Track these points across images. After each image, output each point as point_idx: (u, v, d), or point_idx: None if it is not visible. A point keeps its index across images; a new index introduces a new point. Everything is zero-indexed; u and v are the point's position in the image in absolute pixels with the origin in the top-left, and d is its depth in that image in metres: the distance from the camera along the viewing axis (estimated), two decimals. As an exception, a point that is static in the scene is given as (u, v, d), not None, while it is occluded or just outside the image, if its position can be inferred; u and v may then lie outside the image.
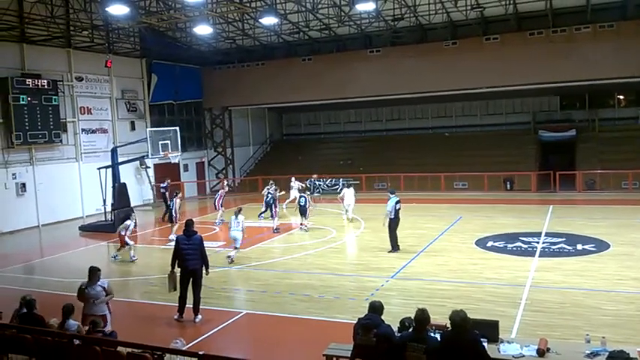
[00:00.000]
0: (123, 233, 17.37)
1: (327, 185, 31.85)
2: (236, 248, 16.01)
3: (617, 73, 27.02)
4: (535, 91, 31.06)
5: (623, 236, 17.25)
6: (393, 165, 32.42)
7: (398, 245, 16.31)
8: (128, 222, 17.64)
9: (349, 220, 22.04)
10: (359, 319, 7.18)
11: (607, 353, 6.56)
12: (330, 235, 19.71)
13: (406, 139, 35.99)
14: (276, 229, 20.42)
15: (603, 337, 6.91)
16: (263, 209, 23.08)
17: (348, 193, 22.23)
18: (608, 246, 16.08)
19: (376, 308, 7.23)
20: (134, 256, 17.21)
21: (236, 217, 15.93)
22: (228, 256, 15.86)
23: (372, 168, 32.84)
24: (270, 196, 21.63)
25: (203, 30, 26.54)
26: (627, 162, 27.63)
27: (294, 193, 24.76)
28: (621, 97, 34.28)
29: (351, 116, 39.75)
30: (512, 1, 26.38)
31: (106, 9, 21.57)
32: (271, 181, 23.13)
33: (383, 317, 7.20)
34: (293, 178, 26.07)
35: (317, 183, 31.91)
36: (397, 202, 16.21)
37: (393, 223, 16.21)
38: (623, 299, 11.36)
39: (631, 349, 6.66)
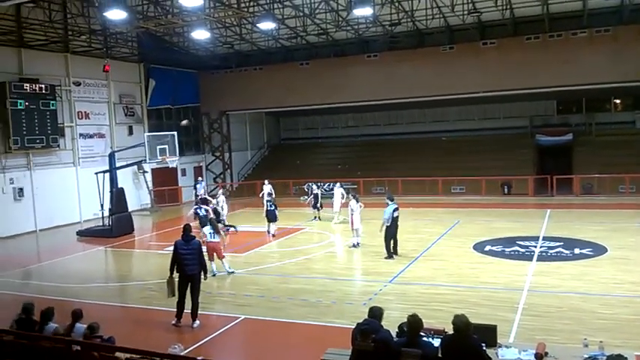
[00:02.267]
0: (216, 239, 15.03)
1: (324, 190, 31.82)
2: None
3: (613, 78, 27.14)
4: (532, 95, 31.14)
5: (620, 240, 17.29)
6: (390, 169, 32.44)
7: (392, 253, 16.00)
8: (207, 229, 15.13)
9: (338, 222, 22.10)
10: (357, 324, 7.17)
11: (605, 357, 6.56)
12: (329, 239, 19.71)
13: (404, 144, 36.03)
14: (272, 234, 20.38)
15: (601, 342, 6.91)
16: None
17: (337, 194, 22.43)
18: (605, 250, 16.11)
19: (375, 313, 7.23)
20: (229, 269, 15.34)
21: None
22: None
23: (370, 172, 32.85)
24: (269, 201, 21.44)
25: (201, 35, 26.60)
26: (624, 166, 27.70)
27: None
28: (618, 101, 34.40)
29: (348, 121, 39.80)
30: (509, 6, 26.47)
31: (104, 14, 21.58)
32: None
33: (381, 323, 7.20)
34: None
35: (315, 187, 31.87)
36: (395, 210, 15.88)
37: (390, 230, 15.90)
38: (620, 303, 11.39)
39: (629, 353, 6.67)
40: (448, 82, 29.37)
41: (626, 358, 6.51)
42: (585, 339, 7.25)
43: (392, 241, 16.06)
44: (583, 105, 34.30)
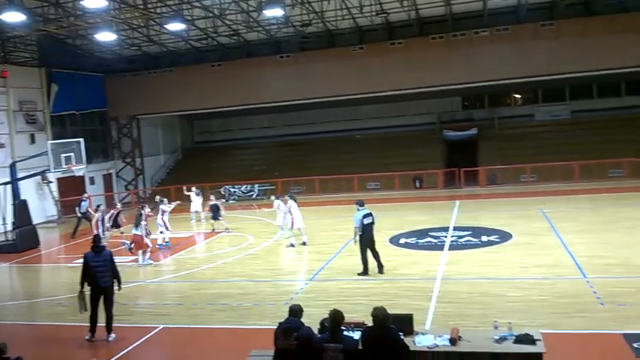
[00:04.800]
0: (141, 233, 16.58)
1: (242, 192, 31.61)
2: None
3: (513, 74, 28.82)
4: (439, 92, 32.37)
5: (524, 226, 18.34)
6: (307, 169, 32.70)
7: (367, 268, 13.72)
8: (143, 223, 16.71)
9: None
10: (279, 323, 7.19)
11: (514, 337, 6.95)
12: (248, 241, 19.58)
13: (320, 143, 36.38)
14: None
15: (510, 323, 7.30)
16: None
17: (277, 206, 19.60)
18: (510, 236, 17.05)
19: (295, 312, 7.26)
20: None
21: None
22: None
23: (288, 172, 32.92)
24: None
25: (106, 37, 25.53)
26: (525, 157, 29.47)
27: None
28: (518, 96, 36.48)
29: (264, 121, 39.62)
30: (414, 7, 27.40)
31: (0, 16, 20.25)
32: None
33: (305, 320, 7.25)
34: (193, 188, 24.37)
35: (232, 190, 31.64)
36: (365, 216, 13.64)
37: (363, 240, 13.68)
38: (526, 286, 12.10)
39: (535, 332, 7.09)
40: (359, 81, 30.03)
41: (532, 336, 6.93)
42: (495, 321, 7.65)
43: (369, 254, 13.78)
44: (486, 101, 36.12)
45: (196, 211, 23.78)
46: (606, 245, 15.06)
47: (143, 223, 16.77)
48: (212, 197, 22.50)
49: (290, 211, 17.76)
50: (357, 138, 36.46)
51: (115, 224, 20.32)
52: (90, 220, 20.44)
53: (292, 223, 17.78)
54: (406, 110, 36.45)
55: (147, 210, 18.03)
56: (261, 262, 16.83)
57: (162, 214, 19.16)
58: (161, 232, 19.33)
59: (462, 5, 27.90)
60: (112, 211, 20.54)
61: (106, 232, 18.96)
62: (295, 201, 18.00)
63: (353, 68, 30.19)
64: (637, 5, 26.87)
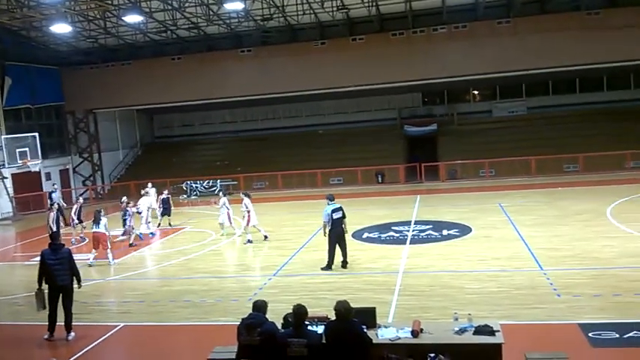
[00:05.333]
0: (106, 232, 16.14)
1: (204, 187, 31.31)
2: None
3: (471, 70, 29.41)
4: (399, 88, 32.76)
5: (483, 220, 18.77)
6: (270, 164, 32.61)
7: (332, 263, 13.68)
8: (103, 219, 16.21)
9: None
10: (242, 319, 7.18)
11: (473, 328, 7.11)
12: (210, 237, 19.42)
13: (282, 138, 36.33)
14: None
15: (469, 314, 7.46)
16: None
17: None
18: (470, 230, 17.41)
19: (259, 307, 7.26)
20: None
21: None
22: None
23: (250, 168, 32.79)
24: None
25: (61, 28, 24.88)
26: (483, 152, 30.11)
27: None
28: (476, 92, 37.21)
29: (226, 116, 39.32)
30: (374, 3, 27.59)
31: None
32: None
33: (269, 316, 7.26)
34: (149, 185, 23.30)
35: (194, 185, 31.30)
36: (335, 210, 13.47)
37: (332, 235, 13.56)
38: (485, 278, 12.38)
39: (494, 322, 7.27)
40: (321, 76, 30.12)
41: (492, 327, 7.11)
42: (455, 313, 7.81)
43: (339, 248, 13.72)
44: (445, 97, 36.70)
45: (152, 208, 23.16)
46: (562, 238, 15.52)
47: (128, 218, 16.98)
48: (165, 191, 22.04)
49: (246, 209, 17.41)
50: (319, 133, 36.58)
51: (79, 219, 19.91)
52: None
53: (248, 220, 17.51)
54: (367, 106, 36.75)
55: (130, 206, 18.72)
56: (224, 257, 16.74)
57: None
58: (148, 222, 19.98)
59: (422, 2, 28.26)
60: (74, 206, 20.22)
61: (77, 225, 19.36)
62: (250, 198, 17.77)
63: (314, 63, 30.26)
64: (590, 4, 27.74)
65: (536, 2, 29.28)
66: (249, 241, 17.55)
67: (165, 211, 21.47)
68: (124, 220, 18.71)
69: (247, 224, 17.63)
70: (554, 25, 27.78)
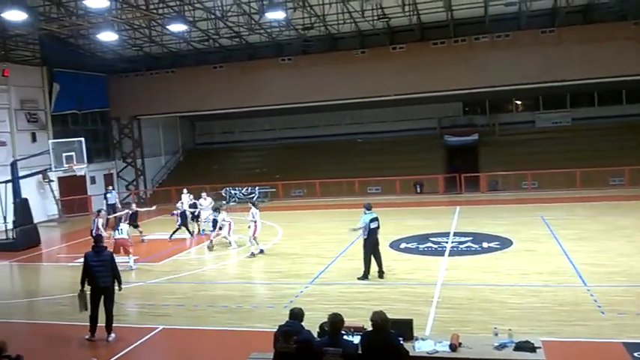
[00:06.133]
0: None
1: (242, 194, 31.62)
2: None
3: (513, 80, 28.90)
4: (439, 97, 32.42)
5: (525, 233, 18.33)
6: (309, 172, 32.67)
7: (368, 273, 13.63)
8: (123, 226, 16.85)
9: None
10: (279, 326, 7.19)
11: (514, 344, 6.96)
12: (248, 243, 19.53)
13: (321, 146, 36.38)
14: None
15: (510, 330, 7.31)
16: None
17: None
18: (511, 243, 17.04)
19: (296, 315, 7.27)
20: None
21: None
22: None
23: (289, 175, 32.96)
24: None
25: (108, 37, 25.55)
26: (525, 163, 29.45)
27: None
28: (518, 102, 36.53)
29: (265, 124, 39.66)
30: (416, 12, 27.45)
31: (2, 15, 20.28)
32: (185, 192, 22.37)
33: (304, 324, 7.25)
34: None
35: (233, 192, 31.65)
36: (372, 220, 13.51)
37: (368, 245, 13.62)
38: (527, 292, 12.08)
39: (535, 339, 7.10)
40: (361, 85, 30.07)
41: (532, 343, 6.94)
42: (495, 328, 7.66)
43: (372, 259, 13.70)
44: (487, 106, 36.15)
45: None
46: (606, 253, 15.06)
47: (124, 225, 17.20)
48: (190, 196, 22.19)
49: (253, 219, 17.03)
50: (358, 142, 36.52)
51: (133, 223, 20.43)
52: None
53: (254, 231, 17.10)
54: (407, 115, 36.49)
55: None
56: (262, 264, 16.83)
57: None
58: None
59: (464, 11, 27.94)
60: (127, 211, 20.80)
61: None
62: (257, 208, 17.48)
63: (354, 72, 30.23)
64: (637, 14, 26.95)
65: (581, 12, 28.57)
66: (253, 254, 17.11)
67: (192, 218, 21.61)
68: (214, 221, 19.35)
69: (253, 235, 17.18)
70: (600, 35, 27.08)
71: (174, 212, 21.41)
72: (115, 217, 20.65)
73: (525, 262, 14.64)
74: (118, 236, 16.49)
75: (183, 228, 20.86)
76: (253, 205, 17.66)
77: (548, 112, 34.99)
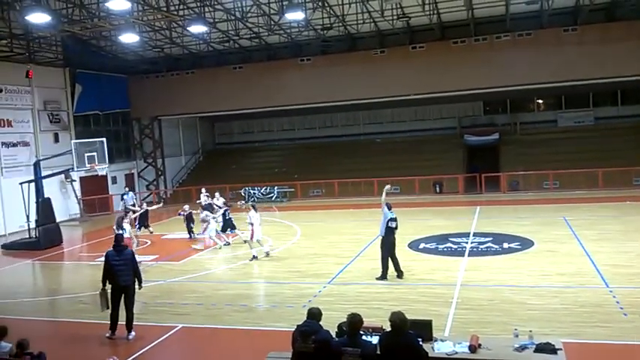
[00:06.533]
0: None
1: (261, 194, 31.74)
2: None
3: (535, 79, 28.57)
4: (460, 97, 32.19)
5: (546, 234, 18.11)
6: (327, 172, 32.70)
7: (386, 273, 13.59)
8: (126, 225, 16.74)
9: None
10: (297, 325, 7.19)
11: (534, 346, 6.87)
12: (267, 243, 19.61)
13: (340, 146, 36.39)
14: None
15: (530, 331, 7.23)
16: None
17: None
18: (532, 244, 16.84)
19: (314, 314, 7.26)
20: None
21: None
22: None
23: (307, 175, 33.01)
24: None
25: (129, 38, 25.87)
26: (547, 163, 29.11)
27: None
28: (540, 101, 36.11)
29: (284, 124, 39.81)
30: (436, 12, 27.29)
31: (26, 17, 20.63)
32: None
33: (323, 324, 7.24)
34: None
35: (252, 191, 31.78)
36: (391, 220, 13.57)
37: (386, 244, 13.63)
38: (548, 294, 11.94)
39: (556, 341, 7.00)
40: (380, 84, 29.99)
41: (553, 345, 6.85)
42: (516, 329, 7.58)
43: (390, 259, 13.69)
44: (508, 105, 35.78)
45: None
46: (629, 254, 14.80)
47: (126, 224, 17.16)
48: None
49: (250, 222, 16.77)
50: (377, 142, 36.42)
51: (144, 223, 20.59)
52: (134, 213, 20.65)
53: (252, 234, 16.87)
54: (427, 114, 36.35)
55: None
56: (280, 263, 16.84)
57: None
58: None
59: (484, 10, 27.69)
60: (146, 208, 21.34)
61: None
62: (256, 211, 17.17)
63: (374, 72, 30.17)
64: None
65: (604, 10, 28.15)
66: (255, 257, 16.85)
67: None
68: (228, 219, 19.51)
69: (251, 238, 16.98)
70: (623, 33, 26.67)
71: (181, 213, 21.44)
72: (135, 217, 20.82)
73: (546, 263, 14.45)
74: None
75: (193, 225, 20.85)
76: (253, 207, 17.25)
77: (570, 111, 34.55)
